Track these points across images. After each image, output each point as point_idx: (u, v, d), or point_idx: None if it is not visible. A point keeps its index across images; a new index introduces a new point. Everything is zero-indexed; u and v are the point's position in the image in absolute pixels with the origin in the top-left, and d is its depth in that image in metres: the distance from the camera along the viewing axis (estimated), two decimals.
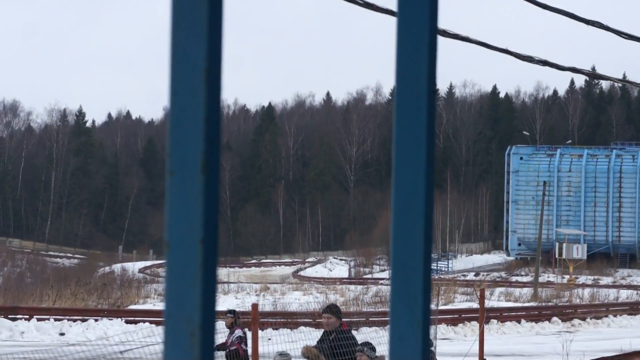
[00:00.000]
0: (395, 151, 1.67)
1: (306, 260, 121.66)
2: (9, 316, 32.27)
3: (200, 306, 1.31)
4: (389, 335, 1.68)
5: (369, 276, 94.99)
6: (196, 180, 1.34)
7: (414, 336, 1.65)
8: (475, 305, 41.06)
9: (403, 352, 1.66)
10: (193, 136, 1.34)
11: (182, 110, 1.36)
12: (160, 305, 43.18)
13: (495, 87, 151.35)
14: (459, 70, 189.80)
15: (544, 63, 9.22)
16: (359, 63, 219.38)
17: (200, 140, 1.34)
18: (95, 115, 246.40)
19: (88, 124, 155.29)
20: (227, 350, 16.74)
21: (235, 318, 17.12)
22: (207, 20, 1.35)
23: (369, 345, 11.79)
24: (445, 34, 8.12)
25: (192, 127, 1.34)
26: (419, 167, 1.66)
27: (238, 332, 16.87)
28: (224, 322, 17.01)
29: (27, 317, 32.60)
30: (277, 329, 31.18)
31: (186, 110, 1.34)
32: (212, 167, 1.34)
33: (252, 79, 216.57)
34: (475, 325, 36.20)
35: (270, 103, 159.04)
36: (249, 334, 17.30)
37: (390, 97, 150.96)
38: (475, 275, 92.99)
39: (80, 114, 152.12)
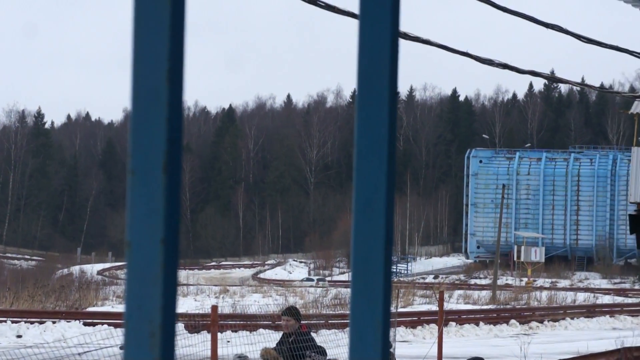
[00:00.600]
0: (357, 153, 1.68)
1: (266, 262, 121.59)
2: None
3: (160, 306, 1.31)
4: (349, 336, 1.68)
5: (329, 278, 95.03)
6: (157, 180, 1.33)
7: (374, 337, 1.65)
8: (434, 307, 41.17)
9: (363, 352, 1.66)
10: (155, 136, 1.34)
11: (144, 109, 1.36)
12: (119, 308, 42.94)
13: (455, 91, 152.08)
14: (419, 74, 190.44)
15: (504, 66, 9.28)
16: (319, 66, 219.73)
17: (162, 140, 1.33)
18: (55, 117, 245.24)
19: (47, 125, 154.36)
20: None
21: None
22: (170, 19, 1.34)
23: (316, 349, 11.82)
24: (407, 36, 8.14)
25: (153, 126, 1.34)
26: (380, 169, 1.66)
27: None
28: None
29: None
30: (236, 331, 31.08)
31: (148, 110, 1.34)
32: (173, 167, 1.34)
33: (212, 81, 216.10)
34: (434, 327, 36.31)
35: (230, 105, 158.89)
36: (208, 336, 17.27)
37: (350, 100, 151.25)
38: (434, 278, 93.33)
39: (39, 115, 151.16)
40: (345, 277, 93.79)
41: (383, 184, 1.65)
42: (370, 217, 1.65)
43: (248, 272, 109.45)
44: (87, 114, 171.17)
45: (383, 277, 1.64)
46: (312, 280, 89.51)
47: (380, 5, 1.66)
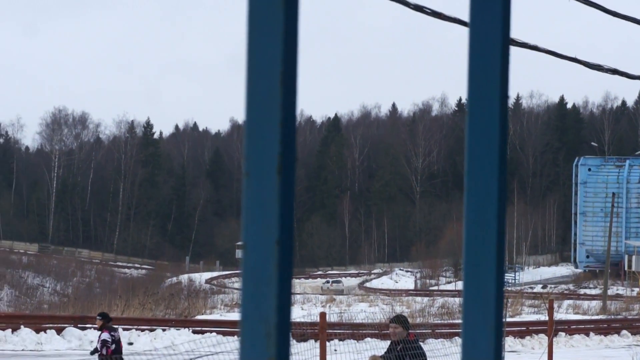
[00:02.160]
0: (468, 159, 1.68)
1: (372, 271, 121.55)
2: (79, 325, 32.67)
3: (275, 306, 1.33)
4: (462, 345, 1.68)
5: (435, 288, 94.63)
6: (272, 182, 1.35)
7: (486, 346, 1.65)
8: (542, 317, 40.70)
9: (476, 358, 1.66)
10: (269, 138, 1.36)
11: (259, 112, 1.38)
12: (227, 316, 43.44)
13: (562, 98, 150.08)
14: (525, 81, 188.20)
15: (614, 72, 9.14)
16: (424, 74, 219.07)
17: (276, 142, 1.35)
18: (163, 127, 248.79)
19: (156, 136, 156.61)
20: (99, 353, 17.23)
21: (103, 321, 17.53)
22: (283, 22, 1.36)
23: (421, 357, 11.77)
24: (514, 42, 8.08)
25: (268, 129, 1.36)
26: (491, 175, 1.66)
27: (104, 336, 17.27)
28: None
29: (96, 326, 32.95)
30: (343, 340, 31.16)
31: (262, 113, 1.36)
32: (287, 168, 1.36)
33: (318, 90, 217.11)
34: (543, 337, 35.89)
35: (336, 114, 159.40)
36: (315, 344, 17.35)
37: (456, 109, 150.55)
38: (542, 288, 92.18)
39: (148, 126, 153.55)
40: (451, 286, 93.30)
41: (494, 190, 1.65)
42: (482, 225, 1.65)
43: (354, 281, 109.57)
44: (195, 124, 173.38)
45: (495, 286, 1.64)
46: (328, 282, 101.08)
47: (491, 12, 1.66)
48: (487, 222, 1.66)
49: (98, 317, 18.02)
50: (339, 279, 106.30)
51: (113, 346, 17.39)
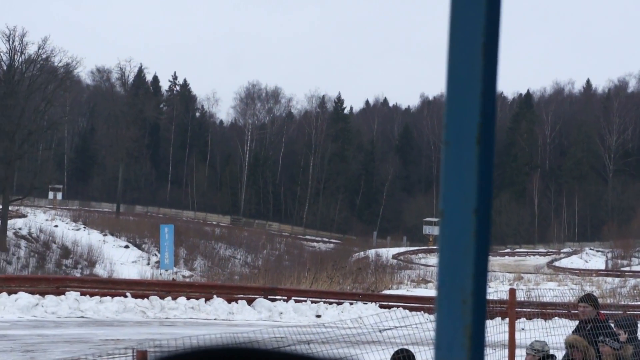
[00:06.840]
0: None
1: (561, 250, 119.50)
2: (269, 297, 33.36)
3: (472, 274, 1.34)
4: None
5: (627, 269, 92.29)
6: (471, 152, 1.36)
7: None
8: None
9: None
10: (469, 108, 1.37)
11: (459, 82, 1.39)
12: (413, 292, 43.55)
13: None
14: None
15: None
16: (621, 49, 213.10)
17: (476, 112, 1.36)
18: (353, 102, 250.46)
19: (346, 111, 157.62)
20: None
21: None
22: None
23: (612, 337, 11.52)
24: None
25: (468, 99, 1.37)
26: None
27: None
28: None
29: (285, 298, 33.57)
30: (530, 319, 30.75)
31: (463, 83, 1.37)
32: (487, 139, 1.37)
33: (510, 66, 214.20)
34: None
35: (528, 90, 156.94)
36: (501, 322, 17.19)
37: None
38: None
39: (339, 101, 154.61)
40: None
41: None
42: None
43: (543, 260, 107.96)
44: (385, 100, 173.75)
45: None
46: None
47: None
48: None
49: None
50: None
51: None
